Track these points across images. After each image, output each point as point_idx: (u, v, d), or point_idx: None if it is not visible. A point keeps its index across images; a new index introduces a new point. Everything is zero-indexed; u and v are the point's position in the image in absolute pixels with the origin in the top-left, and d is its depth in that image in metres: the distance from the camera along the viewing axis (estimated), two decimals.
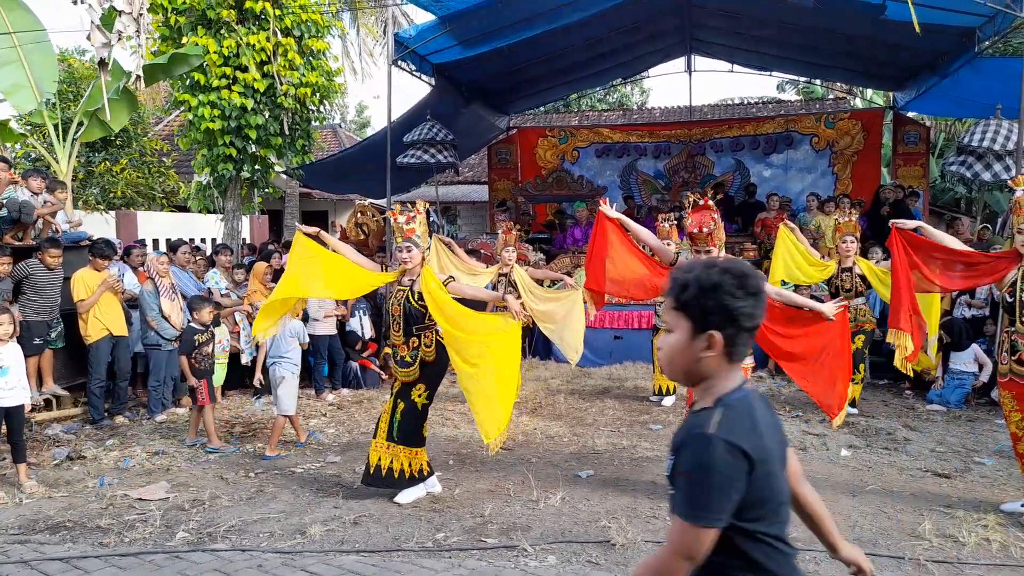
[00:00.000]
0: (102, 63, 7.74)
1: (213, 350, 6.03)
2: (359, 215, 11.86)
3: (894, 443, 5.81)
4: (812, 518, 1.86)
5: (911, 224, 4.76)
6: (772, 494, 1.57)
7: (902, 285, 4.73)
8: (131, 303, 6.96)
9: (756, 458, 1.51)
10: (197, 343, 5.78)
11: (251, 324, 7.50)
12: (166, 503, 4.55)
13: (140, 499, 4.61)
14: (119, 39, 7.66)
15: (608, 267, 4.84)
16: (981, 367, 7.12)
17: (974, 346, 7.21)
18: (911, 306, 4.75)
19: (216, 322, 6.25)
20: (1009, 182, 4.21)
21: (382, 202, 11.65)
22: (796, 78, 18.20)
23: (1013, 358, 4.15)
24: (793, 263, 7.03)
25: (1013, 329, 4.14)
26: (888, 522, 4.16)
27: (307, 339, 6.16)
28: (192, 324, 5.87)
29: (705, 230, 4.33)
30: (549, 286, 7.92)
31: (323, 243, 4.86)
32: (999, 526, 4.03)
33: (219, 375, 7.22)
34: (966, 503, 4.44)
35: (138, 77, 8.03)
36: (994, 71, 9.07)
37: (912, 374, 7.48)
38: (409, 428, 4.50)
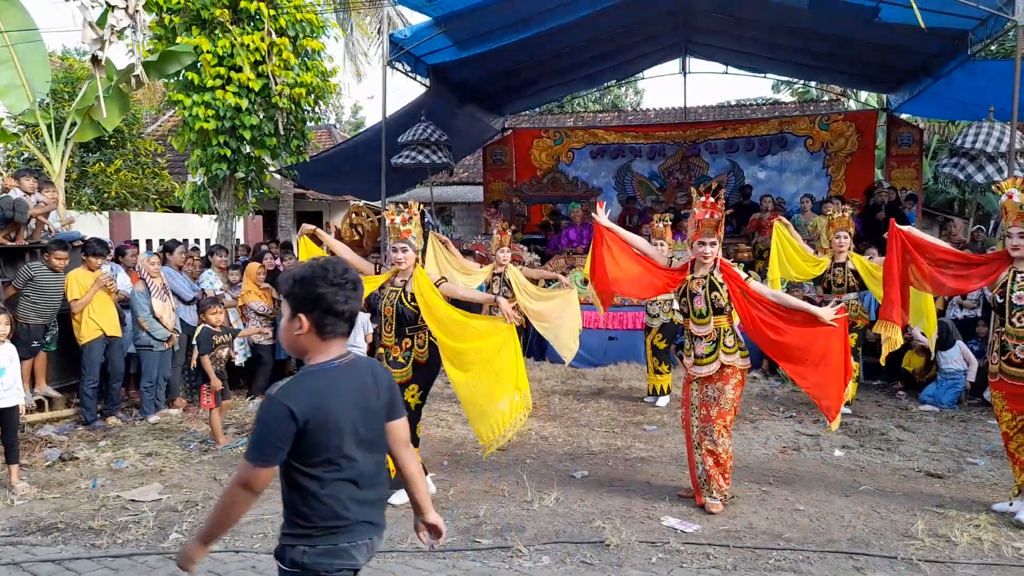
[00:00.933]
0: (95, 60, 7.71)
1: (228, 354, 6.12)
2: (353, 216, 11.85)
3: (887, 443, 5.83)
4: (407, 481, 2.26)
5: (906, 230, 4.81)
6: (329, 446, 1.98)
7: (896, 279, 4.75)
8: (123, 304, 6.93)
9: (307, 418, 1.92)
10: (215, 344, 5.88)
11: (244, 325, 7.51)
12: (159, 504, 4.53)
13: (133, 500, 4.59)
14: (112, 33, 7.63)
15: (610, 266, 4.85)
16: (968, 364, 7.15)
17: (959, 343, 7.24)
18: (903, 301, 4.77)
19: (228, 329, 6.35)
20: (993, 187, 4.24)
21: (377, 203, 11.64)
22: (790, 80, 18.26)
23: (1003, 358, 4.18)
24: (787, 260, 7.05)
25: (1003, 330, 4.16)
26: (881, 522, 4.18)
27: (371, 329, 6.45)
28: (207, 326, 5.94)
29: (717, 216, 4.33)
30: (544, 286, 7.92)
31: (319, 241, 4.86)
32: (991, 526, 4.05)
33: None
34: (958, 503, 4.46)
35: (136, 76, 8.01)
36: (987, 73, 9.13)
37: (909, 370, 7.56)
38: None
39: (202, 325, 5.97)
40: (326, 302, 2.00)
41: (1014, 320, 4.10)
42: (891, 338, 4.82)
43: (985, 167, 8.23)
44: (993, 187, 4.23)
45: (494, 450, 4.38)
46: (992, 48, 11.40)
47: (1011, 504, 4.25)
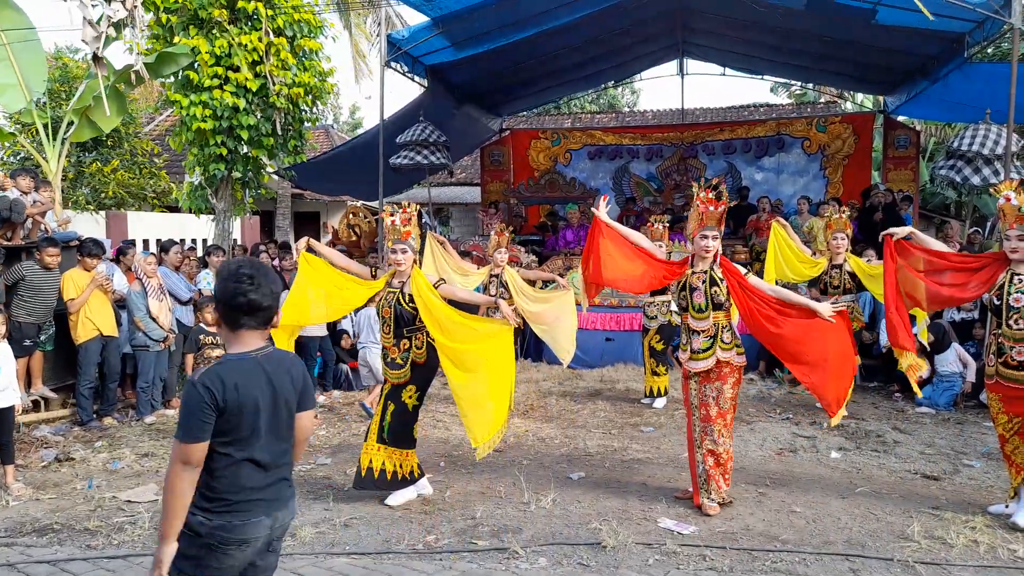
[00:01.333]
0: (96, 57, 7.69)
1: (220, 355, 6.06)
2: (351, 216, 11.84)
3: (883, 445, 5.84)
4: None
5: (903, 231, 4.70)
6: (241, 428, 2.17)
7: (891, 302, 4.69)
8: (120, 304, 6.92)
9: (224, 399, 2.13)
10: (200, 344, 5.84)
11: None
12: (155, 505, 4.51)
13: (129, 501, 4.59)
14: (108, 25, 7.61)
15: (606, 262, 4.85)
16: (966, 366, 7.16)
17: (955, 346, 7.25)
18: (906, 322, 4.71)
19: None
20: (991, 190, 4.23)
21: (374, 204, 11.63)
22: (788, 82, 18.30)
23: (1000, 360, 4.18)
24: (784, 261, 7.06)
25: (1000, 332, 4.17)
26: (877, 524, 4.18)
27: None
28: (201, 324, 5.93)
29: (720, 209, 4.33)
30: (542, 287, 7.92)
31: (313, 250, 4.83)
32: (987, 528, 4.06)
33: None
34: (954, 505, 4.47)
35: (136, 72, 7.98)
36: (983, 76, 9.15)
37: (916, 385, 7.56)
38: (400, 430, 4.50)
39: (199, 324, 5.98)
40: (225, 296, 2.22)
41: (1011, 323, 4.10)
42: (912, 364, 4.66)
43: (982, 169, 8.24)
44: (991, 189, 4.22)
45: (487, 452, 4.36)
46: (989, 51, 11.44)
47: (1007, 506, 4.25)
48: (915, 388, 4.92)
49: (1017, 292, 4.07)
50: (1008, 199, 4.07)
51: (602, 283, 5.02)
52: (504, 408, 4.46)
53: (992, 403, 4.35)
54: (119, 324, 6.73)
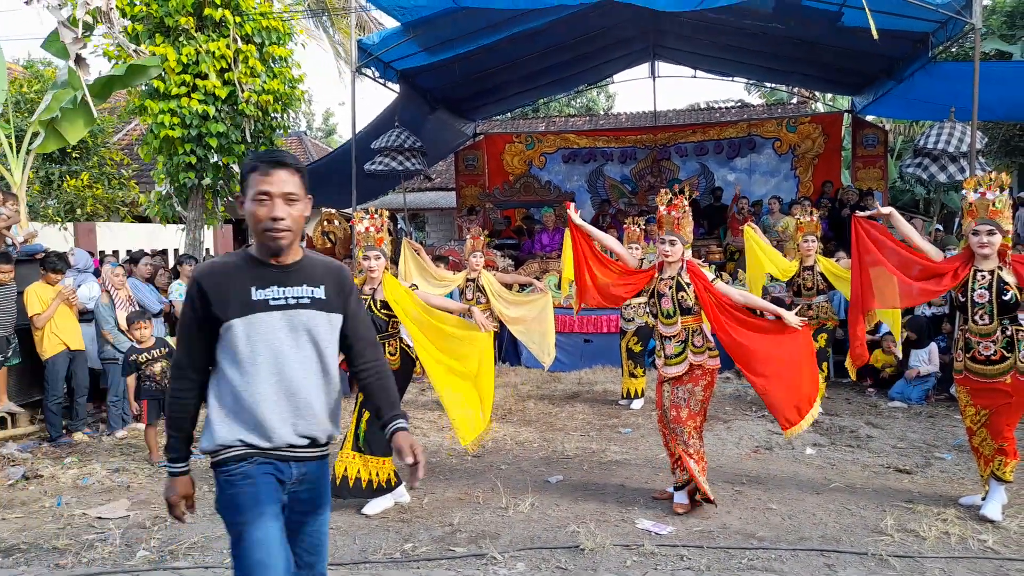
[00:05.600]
0: (79, 59, 7.53)
1: (163, 370, 5.73)
2: (325, 223, 11.74)
3: (857, 440, 5.91)
4: None
5: (884, 211, 4.67)
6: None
7: (857, 270, 4.80)
8: (87, 316, 6.78)
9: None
10: (136, 363, 5.64)
11: None
12: (126, 521, 4.43)
13: (99, 518, 4.49)
14: (83, 30, 7.47)
15: (587, 275, 4.87)
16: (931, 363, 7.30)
17: (932, 344, 7.37)
18: (870, 287, 4.77)
19: (164, 342, 5.96)
20: (964, 185, 4.28)
21: (349, 210, 11.55)
22: (757, 83, 18.50)
23: (967, 355, 4.25)
24: (761, 263, 7.12)
25: (967, 327, 4.24)
26: (851, 519, 4.23)
27: None
28: (133, 344, 5.72)
29: (675, 213, 4.36)
30: (519, 290, 7.92)
31: None
32: (958, 519, 4.12)
33: None
34: (927, 498, 4.53)
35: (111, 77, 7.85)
36: (947, 75, 9.32)
37: (878, 367, 7.67)
38: (376, 437, 4.46)
39: (131, 344, 5.79)
40: None
41: (976, 318, 4.17)
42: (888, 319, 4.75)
43: (947, 167, 8.39)
44: (965, 185, 4.26)
45: (476, 449, 4.33)
46: (953, 50, 11.67)
47: (982, 499, 4.31)
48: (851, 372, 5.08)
49: (981, 288, 4.13)
50: (983, 194, 4.12)
51: (590, 293, 4.99)
52: (488, 405, 4.48)
53: (960, 396, 4.42)
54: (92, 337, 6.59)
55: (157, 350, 5.81)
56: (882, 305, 4.81)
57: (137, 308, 6.79)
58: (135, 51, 8.12)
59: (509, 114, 18.28)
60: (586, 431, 6.39)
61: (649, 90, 14.63)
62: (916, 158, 8.68)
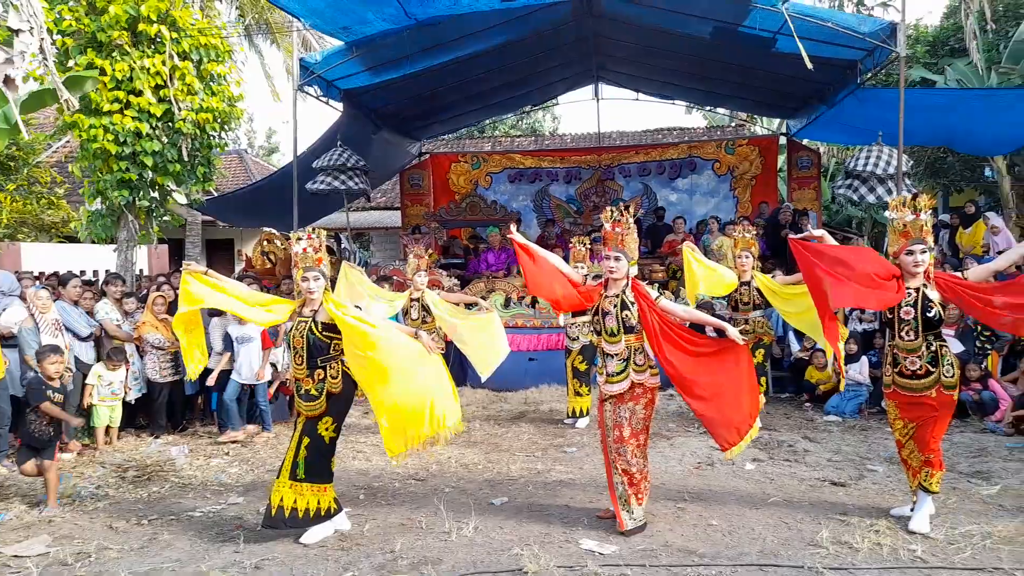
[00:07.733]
0: (7, 80, 7.21)
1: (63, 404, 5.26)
2: (265, 243, 11.51)
3: (795, 454, 6.05)
4: None
5: (817, 234, 4.87)
6: None
7: (815, 299, 4.82)
8: (11, 342, 6.45)
9: None
10: (49, 399, 5.04)
11: (142, 358, 7.12)
12: (46, 559, 4.19)
13: (15, 556, 4.23)
14: (23, 58, 7.18)
15: (538, 279, 4.89)
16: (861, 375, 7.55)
17: (863, 358, 7.62)
18: (833, 324, 4.82)
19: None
20: (890, 205, 4.45)
21: (291, 232, 11.36)
22: (696, 107, 19.04)
23: (895, 370, 4.40)
24: (701, 279, 7.24)
25: (894, 343, 4.39)
26: (789, 532, 4.30)
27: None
28: (38, 375, 5.18)
29: (619, 230, 4.41)
30: (465, 310, 7.87)
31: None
32: (889, 531, 4.24)
33: (111, 416, 6.81)
34: (860, 510, 4.65)
35: (67, 100, 7.53)
36: (875, 101, 9.76)
37: (813, 382, 7.88)
38: (316, 464, 4.34)
39: (34, 373, 5.26)
40: None
41: (903, 334, 4.33)
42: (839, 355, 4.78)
43: (876, 188, 8.75)
44: (890, 205, 4.42)
45: (403, 462, 4.17)
46: (881, 76, 12.22)
47: (911, 509, 4.44)
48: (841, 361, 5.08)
49: (907, 305, 4.29)
50: (918, 215, 4.27)
51: (551, 296, 4.97)
52: (429, 421, 4.29)
53: (890, 410, 4.57)
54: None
55: (60, 394, 5.20)
56: (840, 304, 4.84)
57: (63, 332, 6.50)
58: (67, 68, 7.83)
59: (455, 134, 18.32)
60: (531, 451, 6.37)
61: (594, 113, 14.87)
62: (847, 179, 9.02)
